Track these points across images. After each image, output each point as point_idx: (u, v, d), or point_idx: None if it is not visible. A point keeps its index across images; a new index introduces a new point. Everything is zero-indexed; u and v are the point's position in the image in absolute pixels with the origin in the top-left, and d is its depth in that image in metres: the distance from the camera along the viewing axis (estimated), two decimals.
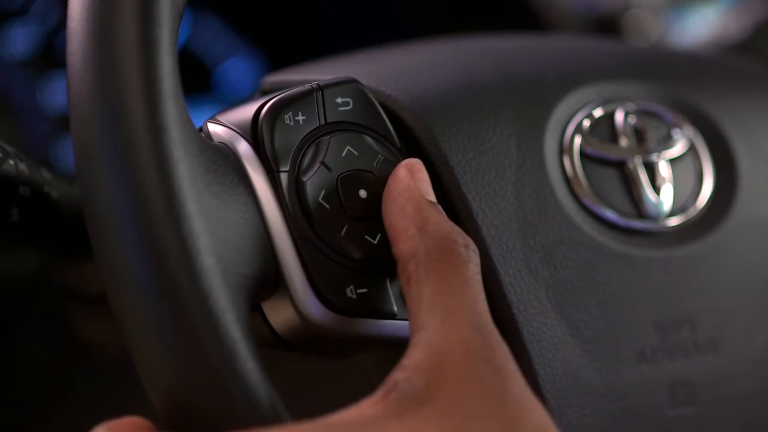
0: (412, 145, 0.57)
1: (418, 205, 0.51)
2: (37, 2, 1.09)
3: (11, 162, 0.57)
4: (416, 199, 0.51)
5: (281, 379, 0.48)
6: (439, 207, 0.51)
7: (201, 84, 1.18)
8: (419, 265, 0.48)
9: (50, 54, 1.09)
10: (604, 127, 0.62)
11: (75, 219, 0.61)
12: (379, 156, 0.55)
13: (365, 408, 0.44)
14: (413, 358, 0.45)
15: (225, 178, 0.50)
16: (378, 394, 0.45)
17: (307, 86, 0.54)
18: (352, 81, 0.55)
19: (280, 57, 1.20)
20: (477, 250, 0.50)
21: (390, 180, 0.52)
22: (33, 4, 1.09)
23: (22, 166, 0.58)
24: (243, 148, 0.53)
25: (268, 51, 1.21)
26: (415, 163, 0.53)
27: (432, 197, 0.52)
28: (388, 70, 0.61)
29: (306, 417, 0.47)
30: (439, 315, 0.46)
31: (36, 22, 1.09)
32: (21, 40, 1.09)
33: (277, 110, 0.53)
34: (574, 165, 0.60)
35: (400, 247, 0.50)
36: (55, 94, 1.08)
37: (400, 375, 0.45)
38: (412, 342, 0.46)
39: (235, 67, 1.20)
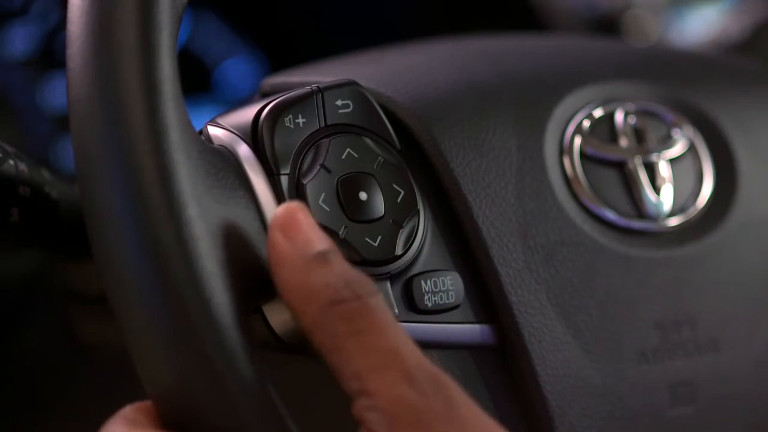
0: (412, 147, 0.57)
1: (300, 272, 0.47)
2: (37, 2, 1.09)
3: (11, 162, 0.57)
4: (297, 267, 0.47)
5: (282, 382, 0.48)
6: (326, 253, 0.48)
7: (201, 84, 1.18)
8: (325, 338, 0.46)
9: (50, 54, 1.09)
10: (604, 128, 0.62)
11: (75, 219, 0.61)
12: (380, 158, 0.55)
13: None
14: (373, 423, 0.45)
15: (225, 182, 0.50)
16: None
17: (307, 89, 0.54)
18: (352, 83, 0.55)
19: (279, 57, 1.20)
20: (373, 287, 0.47)
21: (267, 248, 0.48)
22: (33, 4, 1.09)
23: (22, 166, 0.58)
24: (243, 151, 0.53)
25: (268, 51, 1.21)
26: (285, 214, 0.48)
27: (317, 244, 0.48)
28: (388, 71, 0.61)
29: (307, 419, 0.47)
30: (372, 377, 0.45)
31: (36, 22, 1.09)
32: (21, 40, 1.08)
33: (277, 113, 0.53)
34: (574, 165, 0.60)
35: (300, 323, 0.47)
36: (55, 94, 1.08)
37: None
38: (362, 405, 0.45)
39: (235, 67, 1.20)
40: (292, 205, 0.49)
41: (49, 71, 1.08)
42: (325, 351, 0.46)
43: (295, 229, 0.48)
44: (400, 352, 0.46)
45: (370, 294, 0.47)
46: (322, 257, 0.48)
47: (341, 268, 0.48)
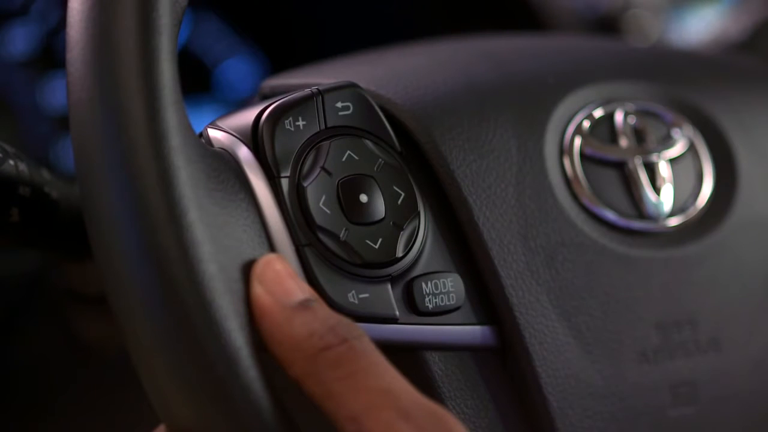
0: (412, 149, 0.57)
1: (283, 324, 0.47)
2: (37, 2, 1.09)
3: (11, 162, 0.57)
4: (279, 319, 0.47)
5: (286, 383, 0.48)
6: (307, 301, 0.48)
7: (201, 84, 1.18)
8: (315, 386, 0.46)
9: (50, 54, 1.09)
10: (604, 128, 0.62)
11: (75, 219, 0.61)
12: (380, 160, 0.55)
13: None
14: None
15: (226, 185, 0.50)
16: None
17: (307, 91, 0.54)
18: (352, 85, 0.55)
19: (280, 57, 1.20)
20: (358, 330, 0.48)
21: (249, 302, 0.48)
22: (33, 4, 1.09)
23: (22, 166, 0.58)
24: (243, 153, 0.53)
25: (269, 51, 1.21)
26: (263, 266, 0.49)
27: (297, 293, 0.49)
28: (388, 72, 0.61)
29: (307, 421, 0.47)
30: (367, 418, 0.45)
31: (36, 22, 1.09)
32: (21, 40, 1.09)
33: (277, 115, 0.53)
34: (574, 166, 0.60)
35: (289, 373, 0.47)
36: (55, 94, 1.08)
37: None
38: None
39: (235, 67, 1.20)
40: (270, 257, 0.49)
41: (49, 71, 1.09)
42: (318, 398, 0.46)
43: (274, 280, 0.48)
44: (393, 391, 0.46)
45: (355, 337, 0.47)
46: (303, 306, 0.48)
47: (324, 314, 0.48)
